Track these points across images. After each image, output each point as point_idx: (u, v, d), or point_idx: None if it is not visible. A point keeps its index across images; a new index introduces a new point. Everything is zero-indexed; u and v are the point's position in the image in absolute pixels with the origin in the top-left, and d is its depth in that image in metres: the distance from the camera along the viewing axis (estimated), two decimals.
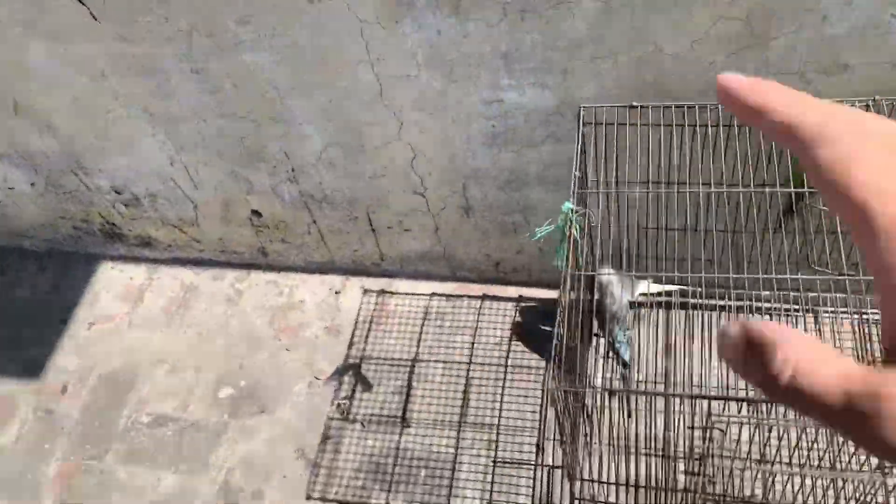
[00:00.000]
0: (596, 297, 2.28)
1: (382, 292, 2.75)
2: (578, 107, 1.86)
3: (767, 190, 1.92)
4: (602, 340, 2.40)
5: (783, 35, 1.72)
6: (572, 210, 1.72)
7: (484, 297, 2.66)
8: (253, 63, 2.08)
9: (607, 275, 2.21)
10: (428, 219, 2.48)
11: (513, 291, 2.65)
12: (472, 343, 2.56)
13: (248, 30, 2.00)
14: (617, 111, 1.90)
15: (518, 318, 2.60)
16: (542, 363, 2.49)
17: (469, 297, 2.67)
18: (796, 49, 1.74)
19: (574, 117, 2.02)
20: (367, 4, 1.87)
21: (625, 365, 2.28)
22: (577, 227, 1.74)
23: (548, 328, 2.58)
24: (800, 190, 1.87)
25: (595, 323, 2.51)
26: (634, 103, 1.86)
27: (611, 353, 2.28)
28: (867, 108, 1.76)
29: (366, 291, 2.76)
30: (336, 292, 2.79)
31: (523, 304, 2.62)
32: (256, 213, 2.64)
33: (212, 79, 2.16)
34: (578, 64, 1.89)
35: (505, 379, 2.47)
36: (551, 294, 2.62)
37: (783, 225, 1.99)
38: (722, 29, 1.74)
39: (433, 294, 2.70)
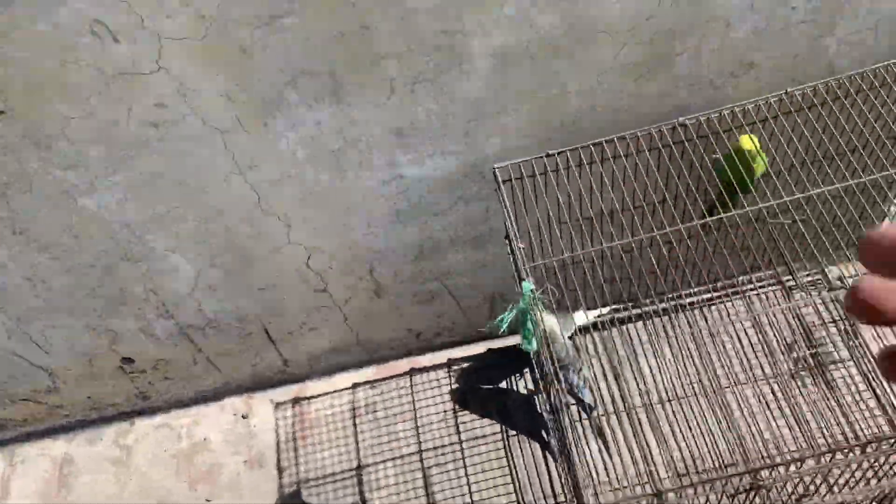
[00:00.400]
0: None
1: (297, 401, 2.43)
2: (492, 169, 1.68)
3: (675, 231, 1.84)
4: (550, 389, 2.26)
5: (689, 48, 1.62)
6: (533, 291, 1.53)
7: (412, 372, 2.42)
8: (94, 207, 1.70)
9: (548, 321, 2.05)
10: (334, 313, 2.20)
11: (441, 357, 2.43)
12: (416, 427, 2.32)
13: (80, 173, 1.61)
14: (533, 163, 1.73)
15: (455, 385, 2.39)
16: (496, 426, 2.30)
17: (396, 377, 2.42)
18: (702, 59, 1.65)
19: (481, 177, 1.84)
20: (225, 114, 1.56)
21: (590, 408, 2.15)
22: (542, 305, 1.55)
23: (487, 386, 2.40)
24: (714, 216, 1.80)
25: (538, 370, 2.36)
26: (550, 151, 1.70)
27: (572, 401, 2.14)
28: (780, 101, 1.71)
29: (277, 405, 2.43)
30: (243, 416, 2.44)
31: (456, 368, 2.42)
32: (128, 359, 2.22)
33: (43, 236, 1.74)
34: (479, 123, 1.70)
35: (464, 457, 2.26)
36: (480, 349, 2.44)
37: (704, 229, 1.91)
38: (627, 56, 1.61)
39: (355, 385, 2.42)
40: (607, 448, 2.17)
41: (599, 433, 2.16)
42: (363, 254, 2.01)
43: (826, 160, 1.67)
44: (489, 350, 2.43)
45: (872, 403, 2.18)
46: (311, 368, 2.43)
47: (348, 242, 1.96)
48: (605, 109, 1.72)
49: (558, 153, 1.70)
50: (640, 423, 2.23)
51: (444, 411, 2.35)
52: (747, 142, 1.65)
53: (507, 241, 1.94)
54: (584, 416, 2.17)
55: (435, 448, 2.29)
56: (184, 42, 1.41)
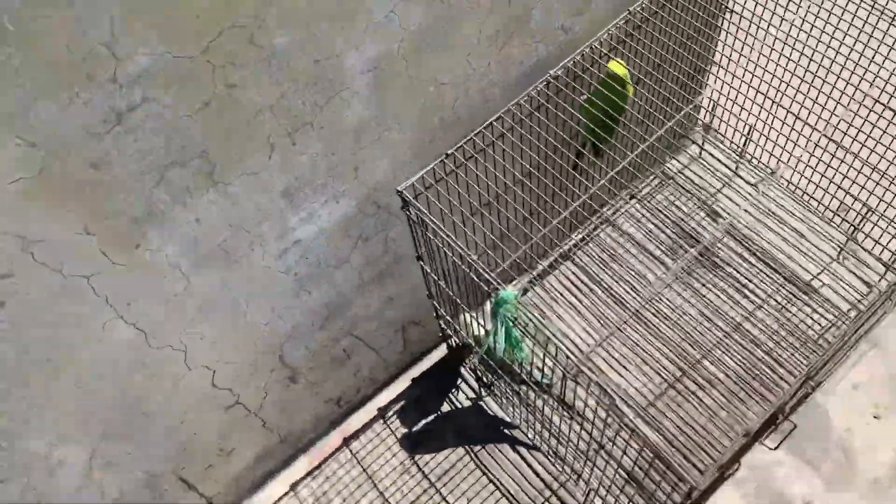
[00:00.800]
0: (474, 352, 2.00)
1: None
2: (398, 191, 1.50)
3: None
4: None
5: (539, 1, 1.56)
6: (516, 296, 1.39)
7: (348, 441, 2.17)
8: None
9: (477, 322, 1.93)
10: (251, 421, 1.89)
11: (370, 411, 2.20)
12: (381, 494, 2.09)
13: None
14: (435, 169, 1.58)
15: (398, 430, 2.18)
16: (459, 450, 2.14)
17: (332, 455, 2.15)
18: (551, 5, 1.59)
19: (375, 207, 1.65)
20: (87, 254, 1.21)
21: (547, 386, 2.06)
22: (525, 311, 1.41)
23: (431, 417, 2.22)
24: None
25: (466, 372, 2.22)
26: (448, 151, 1.56)
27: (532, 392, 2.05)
28: (626, 23, 1.72)
29: None
30: None
31: (389, 414, 2.20)
32: None
33: None
34: (365, 150, 1.50)
35: (444, 497, 2.08)
36: (404, 383, 2.25)
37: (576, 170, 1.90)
38: (489, 26, 1.51)
39: (293, 486, 2.12)
40: (572, 415, 2.11)
41: (562, 402, 2.09)
42: (270, 344, 1.72)
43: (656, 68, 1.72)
44: (413, 380, 2.25)
45: (761, 265, 2.35)
46: (239, 491, 2.08)
47: (253, 338, 1.67)
48: (477, 90, 1.61)
49: (455, 150, 1.57)
50: (591, 373, 2.20)
51: (401, 462, 2.14)
52: (617, 67, 1.63)
53: (420, 263, 1.77)
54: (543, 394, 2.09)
55: None
56: (16, 185, 1.05)
